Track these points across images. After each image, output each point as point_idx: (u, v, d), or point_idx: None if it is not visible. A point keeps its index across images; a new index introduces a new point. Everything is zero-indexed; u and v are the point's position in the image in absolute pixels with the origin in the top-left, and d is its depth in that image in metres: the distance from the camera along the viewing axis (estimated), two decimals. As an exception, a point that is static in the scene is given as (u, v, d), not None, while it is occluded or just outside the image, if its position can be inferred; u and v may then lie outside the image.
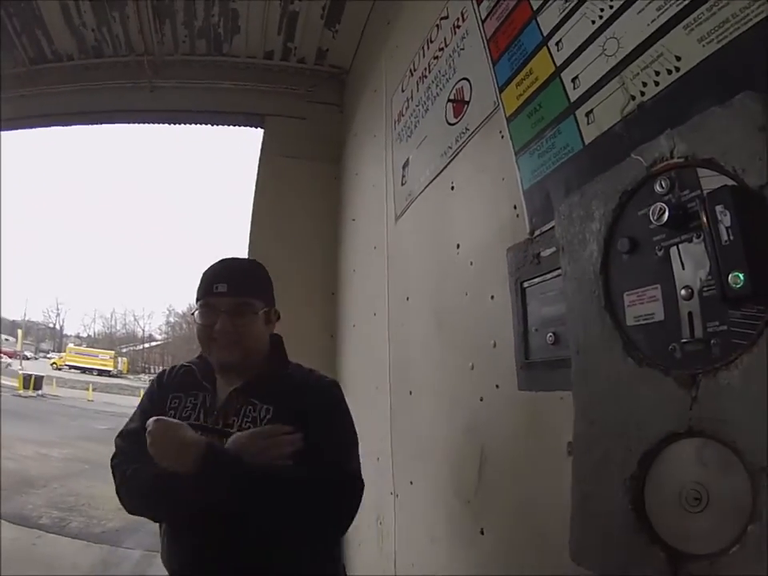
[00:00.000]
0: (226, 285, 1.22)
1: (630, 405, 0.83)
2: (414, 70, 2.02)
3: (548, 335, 1.10)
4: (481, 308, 1.37)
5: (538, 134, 1.19)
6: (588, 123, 1.04)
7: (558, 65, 1.13)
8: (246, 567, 1.09)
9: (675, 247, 0.79)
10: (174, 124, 3.63)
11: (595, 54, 1.02)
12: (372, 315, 2.20)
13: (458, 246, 1.52)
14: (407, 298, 1.87)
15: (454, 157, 1.59)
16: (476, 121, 1.49)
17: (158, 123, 3.59)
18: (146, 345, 55.96)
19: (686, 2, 0.83)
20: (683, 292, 0.77)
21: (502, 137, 1.33)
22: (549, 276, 1.10)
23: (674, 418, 0.76)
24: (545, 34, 1.18)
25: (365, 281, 2.38)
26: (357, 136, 2.83)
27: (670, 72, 0.86)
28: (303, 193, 3.18)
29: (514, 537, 1.22)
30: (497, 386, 1.31)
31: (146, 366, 50.83)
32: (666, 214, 0.76)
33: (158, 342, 56.50)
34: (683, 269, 0.78)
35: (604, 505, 0.85)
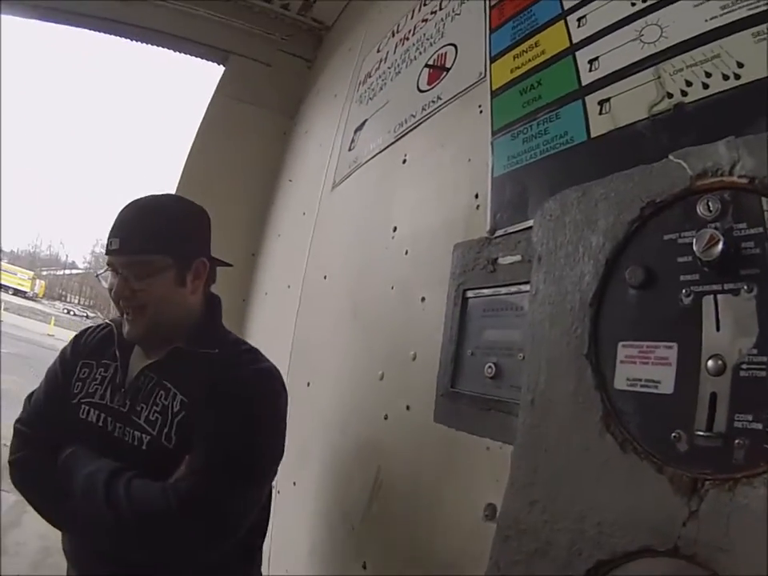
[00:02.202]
0: (119, 239, 0.92)
1: (595, 497, 0.56)
2: (397, 32, 1.69)
3: (487, 365, 0.80)
4: (407, 308, 1.07)
5: (528, 115, 0.92)
6: (600, 113, 0.81)
7: (574, 41, 0.89)
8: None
9: (713, 297, 0.52)
10: (138, 41, 3.09)
11: (628, 38, 0.80)
12: (286, 287, 1.82)
13: (395, 229, 1.20)
14: (325, 277, 1.53)
15: (415, 127, 1.27)
16: (452, 90, 1.20)
17: (122, 37, 3.03)
18: (67, 271, 51.38)
19: (761, 9, 0.64)
20: (710, 363, 0.51)
21: (481, 112, 1.03)
22: (504, 291, 0.81)
23: (654, 531, 0.51)
24: (566, 8, 0.93)
25: (287, 248, 2.02)
26: (318, 94, 2.49)
27: (726, 78, 0.66)
28: (247, 142, 2.79)
29: None
30: (407, 407, 1.02)
31: (63, 293, 46.29)
32: (720, 246, 0.50)
33: (80, 271, 52.08)
34: (717, 330, 0.51)
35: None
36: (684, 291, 0.53)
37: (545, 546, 0.59)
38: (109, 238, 0.92)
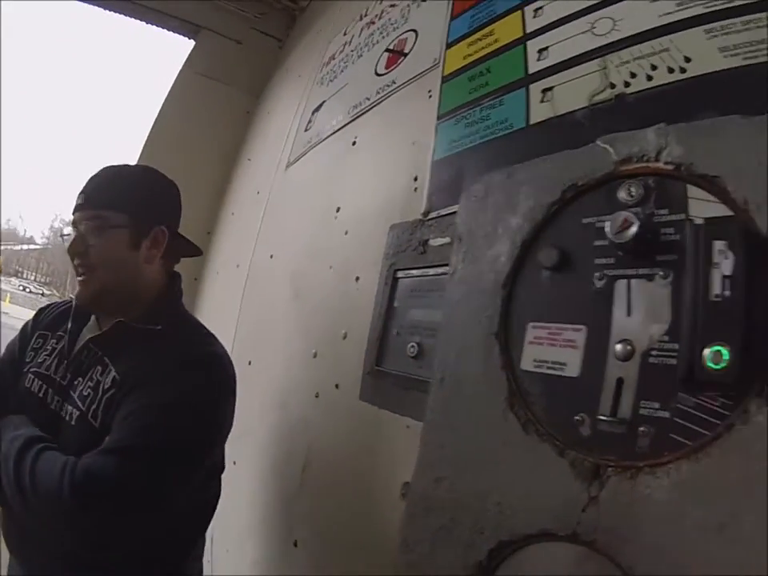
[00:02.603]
0: (84, 195, 0.90)
1: (496, 476, 0.55)
2: (365, 15, 1.67)
3: (410, 345, 0.78)
4: (342, 288, 1.05)
5: (473, 101, 0.92)
6: (542, 101, 0.81)
7: (527, 31, 0.90)
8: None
9: (626, 281, 0.51)
10: (108, 9, 2.90)
11: (580, 30, 0.80)
12: (235, 266, 1.77)
13: (338, 209, 1.18)
14: (271, 256, 1.49)
15: (368, 110, 1.24)
16: (406, 75, 1.18)
17: (91, 4, 2.83)
18: (25, 246, 48.80)
19: (717, 8, 0.64)
20: (619, 347, 0.49)
21: (430, 97, 1.02)
22: (432, 271, 0.79)
23: (554, 515, 0.49)
24: None
25: (240, 227, 1.96)
26: (285, 74, 2.43)
27: (671, 71, 0.66)
28: (211, 119, 2.69)
29: (329, 562, 0.93)
30: (336, 386, 1.00)
31: (20, 269, 44.22)
32: (633, 229, 0.48)
33: (38, 247, 49.76)
34: (628, 314, 0.50)
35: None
36: (597, 275, 0.52)
37: (449, 524, 0.58)
38: (77, 198, 0.90)
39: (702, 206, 0.48)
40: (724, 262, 0.42)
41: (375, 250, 0.93)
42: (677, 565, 0.42)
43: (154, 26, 3.04)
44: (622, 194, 0.53)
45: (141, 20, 2.99)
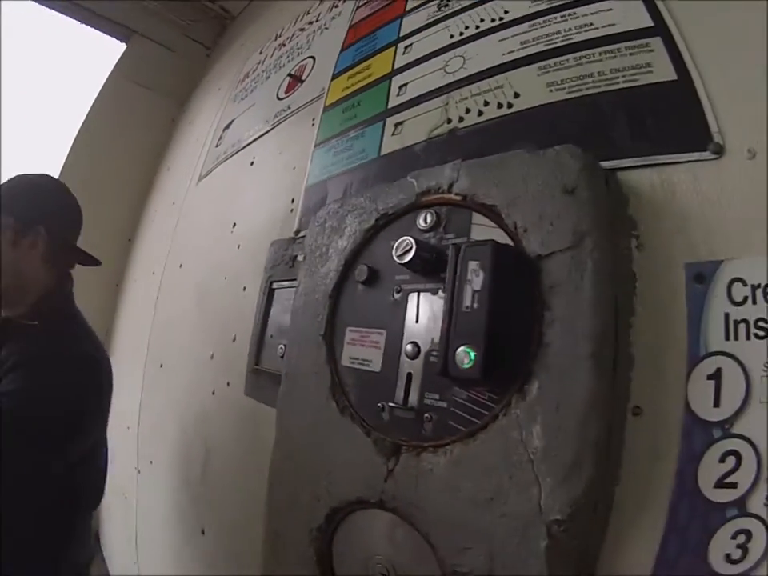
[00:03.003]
0: None
1: (324, 452, 0.65)
2: (279, 36, 1.73)
3: (280, 346, 0.89)
4: (233, 296, 1.15)
5: (343, 132, 1.00)
6: (393, 134, 0.88)
7: (395, 67, 0.97)
8: None
9: (416, 294, 0.62)
10: (41, 4, 2.79)
11: (436, 67, 0.87)
12: (151, 274, 1.81)
13: (234, 225, 1.27)
14: (181, 265, 1.56)
15: (266, 133, 1.34)
16: (299, 102, 1.27)
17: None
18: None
19: (556, 46, 0.70)
20: (409, 347, 0.60)
21: (313, 125, 1.12)
22: (296, 283, 0.89)
23: (365, 485, 0.60)
24: (401, 35, 1.01)
25: (157, 236, 1.99)
26: (207, 86, 2.43)
27: (500, 106, 0.73)
28: (138, 125, 2.63)
29: (232, 546, 1.01)
30: (228, 384, 1.09)
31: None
32: (411, 252, 0.58)
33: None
34: (416, 321, 0.61)
35: (292, 549, 0.67)
36: (396, 288, 0.63)
37: (296, 493, 0.67)
38: None
39: (483, 231, 0.58)
40: (475, 279, 0.50)
41: (260, 263, 1.03)
42: (457, 532, 0.51)
43: (88, 27, 2.97)
44: (420, 222, 0.64)
45: (73, 18, 2.90)
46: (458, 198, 0.61)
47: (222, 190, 1.45)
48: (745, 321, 0.47)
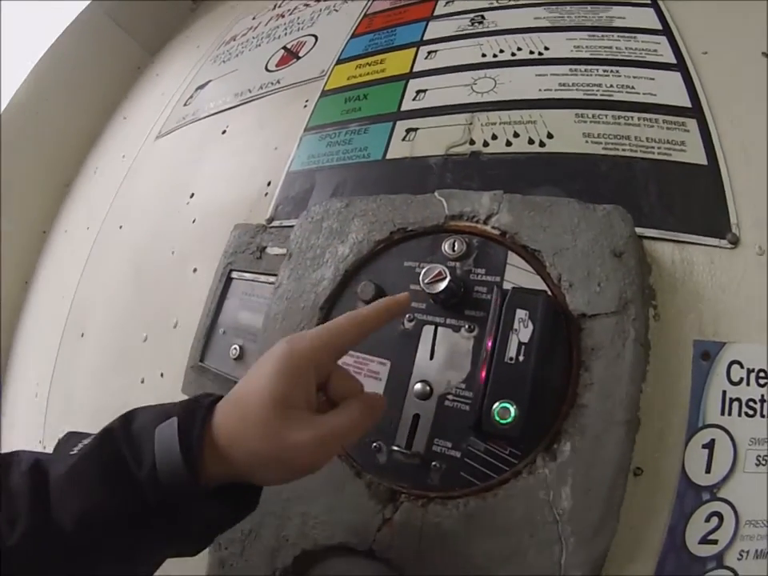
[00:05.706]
0: None
1: (301, 489, 0.55)
2: (278, 6, 1.59)
3: (234, 347, 0.77)
4: (179, 276, 0.98)
5: (342, 122, 0.90)
6: (403, 140, 0.80)
7: (414, 70, 0.89)
8: None
9: (433, 327, 0.54)
10: None
11: (462, 82, 0.81)
12: (85, 228, 1.59)
13: (192, 195, 1.10)
14: (121, 227, 1.35)
15: (246, 103, 1.19)
16: (291, 79, 1.14)
17: None
18: None
19: (595, 98, 0.69)
20: (418, 386, 0.52)
21: (305, 107, 0.99)
22: (263, 279, 0.78)
23: (351, 531, 0.51)
24: (424, 38, 0.93)
25: (98, 188, 1.75)
26: (184, 40, 2.20)
27: (531, 142, 0.68)
28: (102, 65, 2.35)
29: None
30: (161, 375, 0.93)
31: None
32: (444, 283, 0.50)
33: None
34: (431, 358, 0.53)
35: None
36: (408, 316, 0.54)
37: (257, 528, 0.57)
38: None
39: (518, 274, 0.52)
40: (522, 330, 0.46)
41: (217, 246, 0.88)
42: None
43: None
44: (445, 247, 0.56)
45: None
46: (496, 232, 0.55)
47: (184, 154, 1.26)
48: (738, 399, 0.51)
